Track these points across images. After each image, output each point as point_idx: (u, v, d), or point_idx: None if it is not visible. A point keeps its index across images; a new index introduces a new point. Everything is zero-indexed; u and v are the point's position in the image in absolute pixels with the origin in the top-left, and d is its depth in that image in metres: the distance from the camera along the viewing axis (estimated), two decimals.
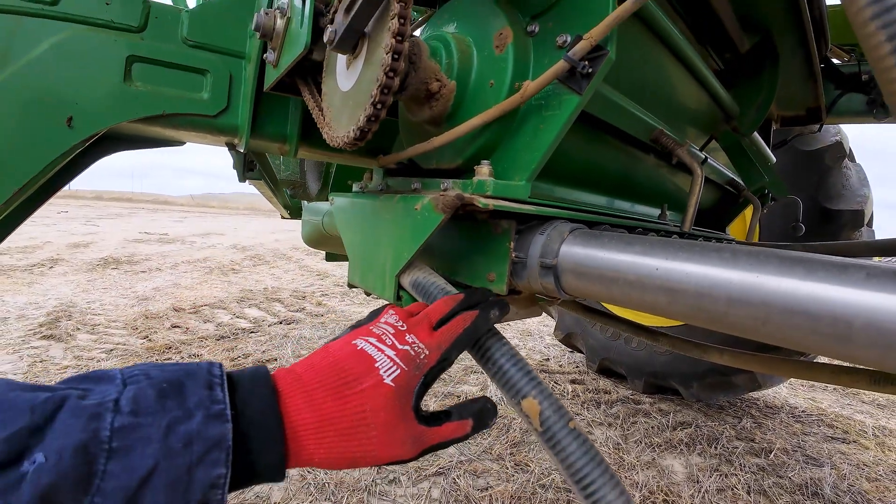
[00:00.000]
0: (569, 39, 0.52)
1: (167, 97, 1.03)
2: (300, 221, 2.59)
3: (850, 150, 2.75)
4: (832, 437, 3.05)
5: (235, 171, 1.62)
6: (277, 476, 0.45)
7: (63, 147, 0.95)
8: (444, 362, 0.53)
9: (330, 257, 2.37)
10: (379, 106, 0.48)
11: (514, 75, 0.56)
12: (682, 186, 0.84)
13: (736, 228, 2.93)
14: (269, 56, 0.81)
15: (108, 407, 0.39)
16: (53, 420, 0.37)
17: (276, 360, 3.53)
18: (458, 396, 3.03)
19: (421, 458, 0.52)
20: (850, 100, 1.54)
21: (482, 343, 0.51)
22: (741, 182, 1.13)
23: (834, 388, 4.05)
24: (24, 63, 0.93)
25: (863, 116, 1.55)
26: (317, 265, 8.78)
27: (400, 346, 0.51)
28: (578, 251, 0.51)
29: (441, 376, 3.51)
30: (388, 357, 0.50)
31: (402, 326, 0.54)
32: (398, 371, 0.49)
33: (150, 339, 3.85)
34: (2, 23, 0.92)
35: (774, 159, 1.48)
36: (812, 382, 4.17)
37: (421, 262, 0.61)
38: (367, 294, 0.74)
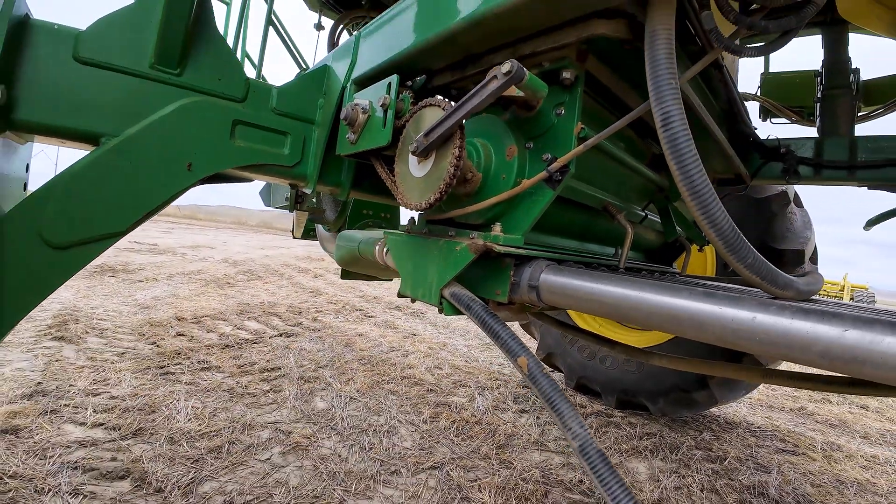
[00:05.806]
0: (549, 157, 0.91)
1: (259, 151, 1.38)
2: (310, 241, 3.00)
3: (797, 196, 3.22)
4: (783, 450, 3.39)
5: (288, 202, 1.98)
6: None
7: (184, 185, 1.26)
8: None
9: (345, 275, 2.72)
10: (444, 193, 0.87)
11: (517, 174, 0.95)
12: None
13: (696, 264, 3.38)
14: (351, 136, 1.19)
15: None
16: None
17: (279, 368, 3.76)
18: (448, 406, 3.35)
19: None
20: (770, 167, 1.98)
21: (494, 327, 0.88)
22: (676, 231, 1.54)
23: (790, 409, 4.42)
24: (156, 119, 1.21)
25: (780, 180, 1.99)
26: (308, 283, 9.00)
27: None
28: (551, 277, 0.89)
29: (432, 386, 3.76)
30: None
31: None
32: None
33: (158, 346, 4.01)
34: (137, 86, 1.21)
35: None
36: (771, 403, 4.57)
37: (455, 281, 0.98)
38: (413, 301, 1.11)
